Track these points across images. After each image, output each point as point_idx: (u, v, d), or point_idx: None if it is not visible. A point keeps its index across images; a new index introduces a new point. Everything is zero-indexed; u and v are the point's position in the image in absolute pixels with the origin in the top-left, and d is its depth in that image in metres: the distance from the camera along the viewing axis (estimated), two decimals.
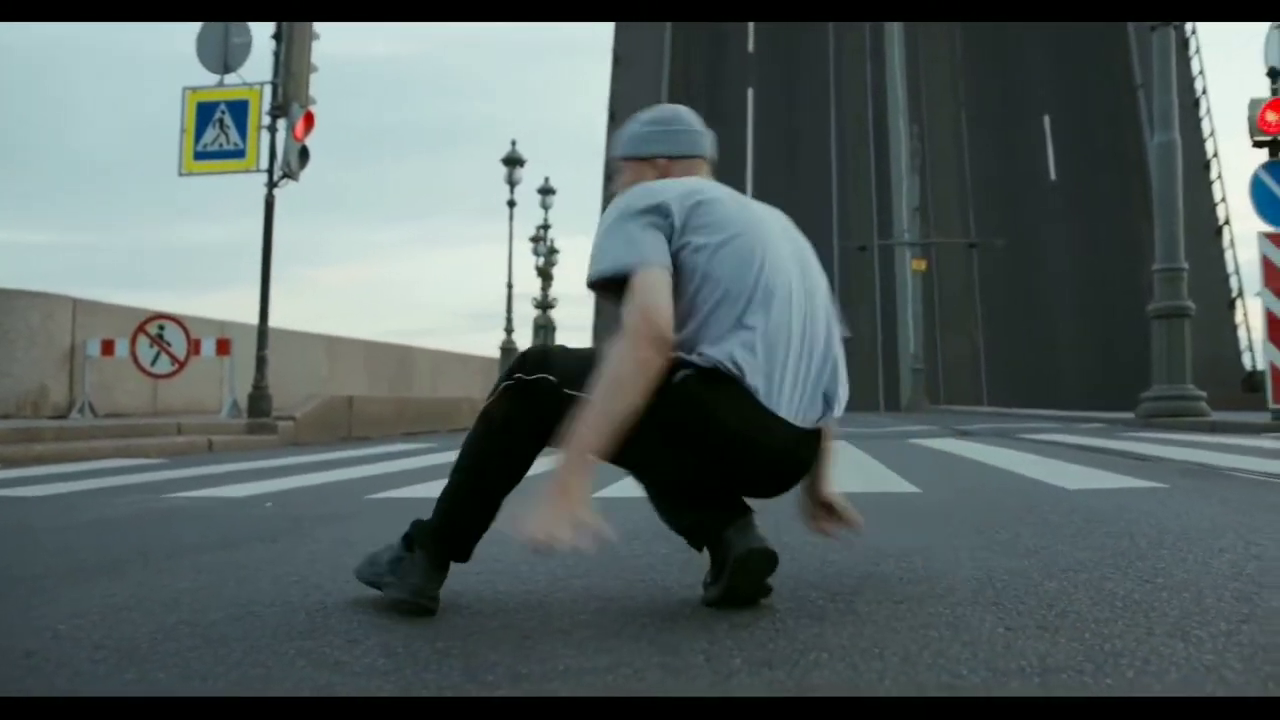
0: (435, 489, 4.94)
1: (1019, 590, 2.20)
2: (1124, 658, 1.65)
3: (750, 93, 34.46)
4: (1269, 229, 9.69)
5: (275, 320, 11.72)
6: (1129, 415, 12.72)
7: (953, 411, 24.48)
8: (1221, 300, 28.98)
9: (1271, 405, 9.41)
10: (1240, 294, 31.20)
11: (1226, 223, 30.24)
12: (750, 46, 34.85)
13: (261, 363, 11.20)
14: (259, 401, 10.81)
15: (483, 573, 2.55)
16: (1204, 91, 30.88)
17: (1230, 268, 30.28)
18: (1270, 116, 9.63)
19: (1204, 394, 11.66)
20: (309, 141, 12.57)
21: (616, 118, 34.99)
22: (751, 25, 35.08)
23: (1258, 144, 9.85)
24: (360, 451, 8.43)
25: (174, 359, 11.37)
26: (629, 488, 4.68)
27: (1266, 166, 9.81)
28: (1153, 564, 2.52)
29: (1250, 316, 31.04)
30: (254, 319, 11.54)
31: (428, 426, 12.67)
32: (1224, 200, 30.55)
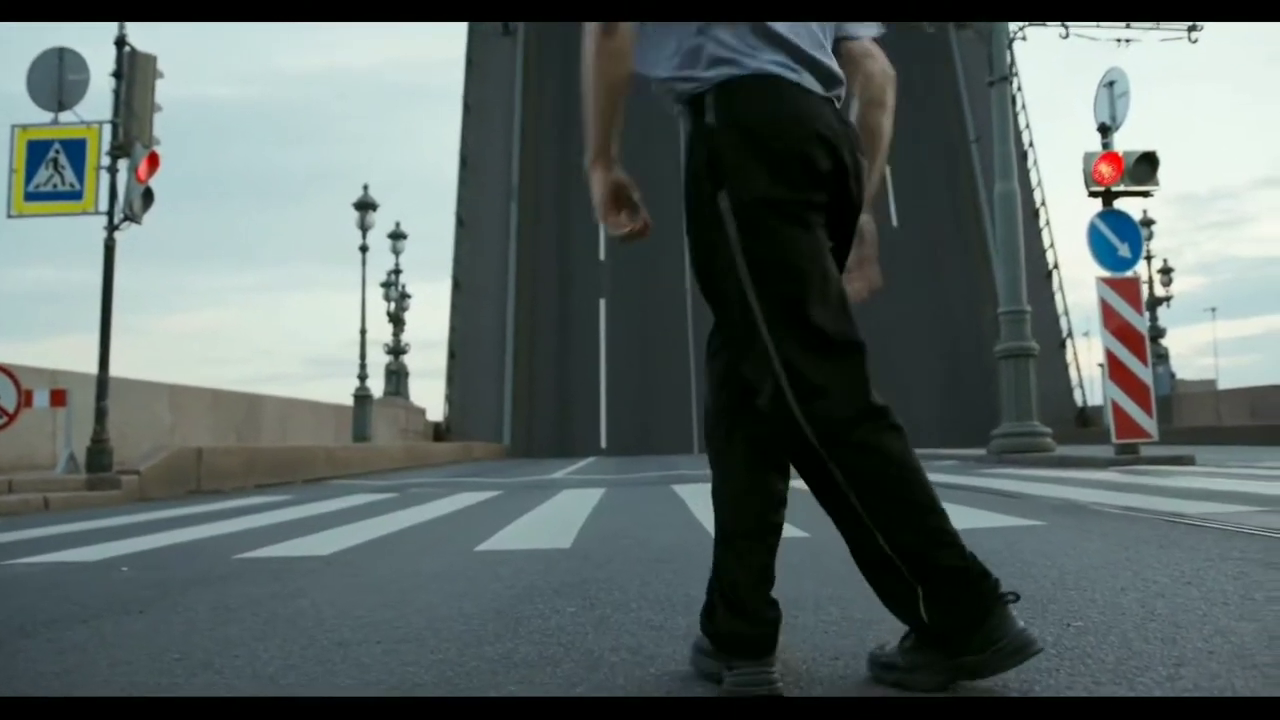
0: (307, 546, 4.69)
1: None
2: None
3: None
4: (1106, 274, 10.18)
5: (115, 369, 11.09)
6: (980, 451, 13.15)
7: None
8: (1054, 340, 30.43)
9: (1115, 441, 9.85)
10: (1070, 334, 32.87)
11: (1055, 267, 31.89)
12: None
13: (101, 414, 10.55)
14: (99, 455, 10.16)
15: (384, 641, 2.38)
16: (1031, 143, 32.60)
17: (1060, 309, 31.89)
18: (1104, 169, 10.16)
19: (1050, 430, 12.18)
20: (153, 183, 12.03)
21: (468, 164, 34.77)
22: None
23: (1093, 194, 10.37)
24: (214, 506, 7.99)
25: (2, 411, 10.61)
26: (507, 540, 4.54)
27: (1102, 215, 10.33)
28: (1065, 606, 2.53)
29: (1080, 355, 32.76)
30: (91, 367, 10.89)
31: (281, 478, 12.16)
32: (1052, 245, 32.24)
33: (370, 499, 8.56)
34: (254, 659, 2.23)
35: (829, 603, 2.69)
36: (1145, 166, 10.28)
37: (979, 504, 5.63)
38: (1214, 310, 63.36)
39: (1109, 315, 10.05)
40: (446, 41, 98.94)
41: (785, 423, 1.75)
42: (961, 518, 4.77)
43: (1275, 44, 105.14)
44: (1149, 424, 9.82)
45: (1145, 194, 10.44)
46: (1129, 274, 10.26)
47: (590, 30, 1.87)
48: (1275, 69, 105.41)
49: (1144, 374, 9.94)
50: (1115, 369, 9.97)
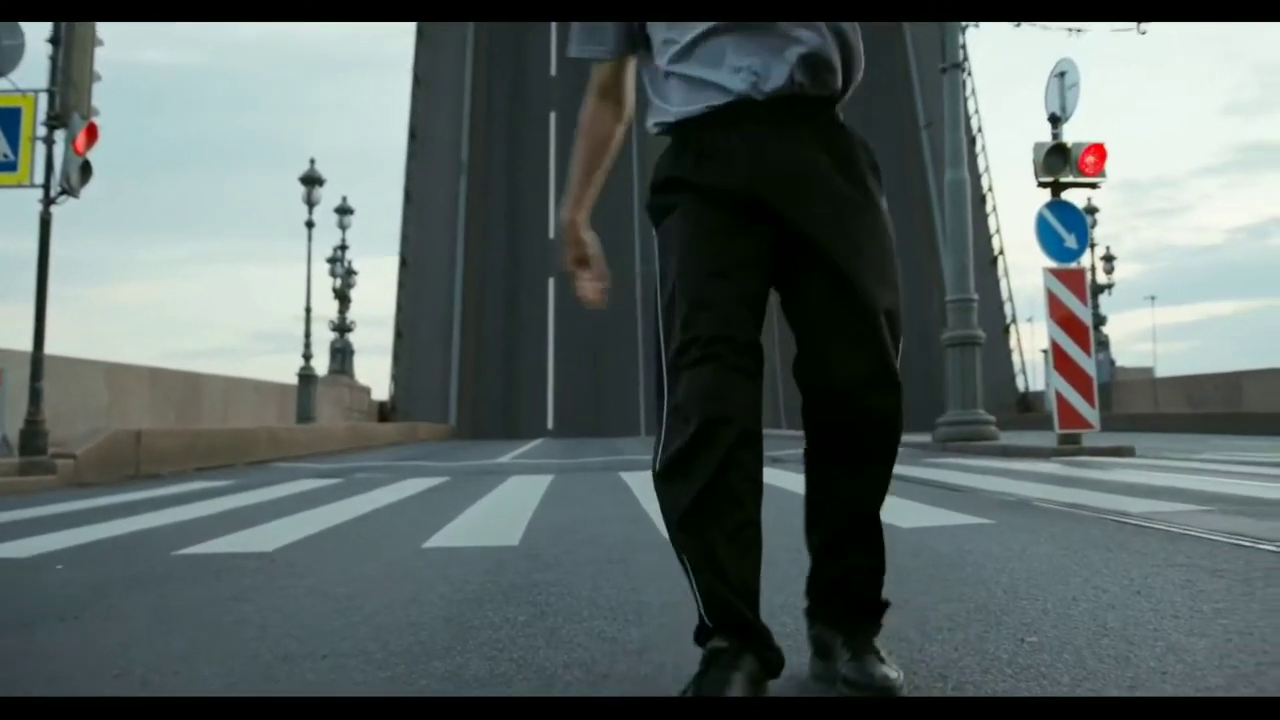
0: (249, 540, 4.59)
1: (906, 656, 2.15)
2: None
3: (553, 116, 34.50)
4: (1053, 264, 10.30)
5: (51, 344, 10.82)
6: (925, 438, 13.27)
7: None
8: (998, 326, 30.81)
9: (1058, 430, 9.98)
10: (1014, 320, 33.32)
11: (1001, 253, 32.26)
12: (553, 70, 34.91)
13: (36, 394, 10.28)
14: (33, 438, 9.90)
15: (330, 655, 2.32)
16: (979, 130, 32.89)
17: (1005, 295, 32.27)
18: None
19: (994, 419, 12.32)
20: (91, 155, 11.72)
21: (417, 137, 34.34)
22: (554, 48, 35.17)
23: (1041, 184, 10.47)
24: (153, 493, 7.83)
25: None
26: (456, 535, 4.46)
27: (1050, 206, 10.44)
28: (1019, 618, 2.53)
29: (1023, 341, 33.21)
30: (22, 344, 10.61)
31: (222, 460, 11.96)
32: (998, 232, 32.60)
33: (314, 485, 8.44)
34: (195, 675, 2.16)
35: (781, 611, 2.67)
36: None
37: (927, 499, 5.67)
38: (1153, 299, 64.50)
39: (1055, 305, 10.17)
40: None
41: None
42: (912, 514, 4.79)
43: (1222, 37, 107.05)
44: (1091, 415, 9.96)
45: (1093, 185, 10.57)
46: (1075, 265, 10.38)
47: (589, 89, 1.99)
48: (1220, 61, 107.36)
49: (1087, 365, 10.07)
50: (1060, 359, 10.09)
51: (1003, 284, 32.33)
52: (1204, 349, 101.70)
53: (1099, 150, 10.30)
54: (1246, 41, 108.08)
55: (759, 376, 1.79)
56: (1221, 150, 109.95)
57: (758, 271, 1.82)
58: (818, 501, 1.97)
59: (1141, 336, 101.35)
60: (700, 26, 1.83)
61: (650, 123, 1.96)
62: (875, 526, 1.95)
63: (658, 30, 1.89)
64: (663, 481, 1.79)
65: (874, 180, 1.93)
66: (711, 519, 1.74)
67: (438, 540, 4.50)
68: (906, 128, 34.17)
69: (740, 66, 1.82)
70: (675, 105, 1.89)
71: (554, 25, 36.07)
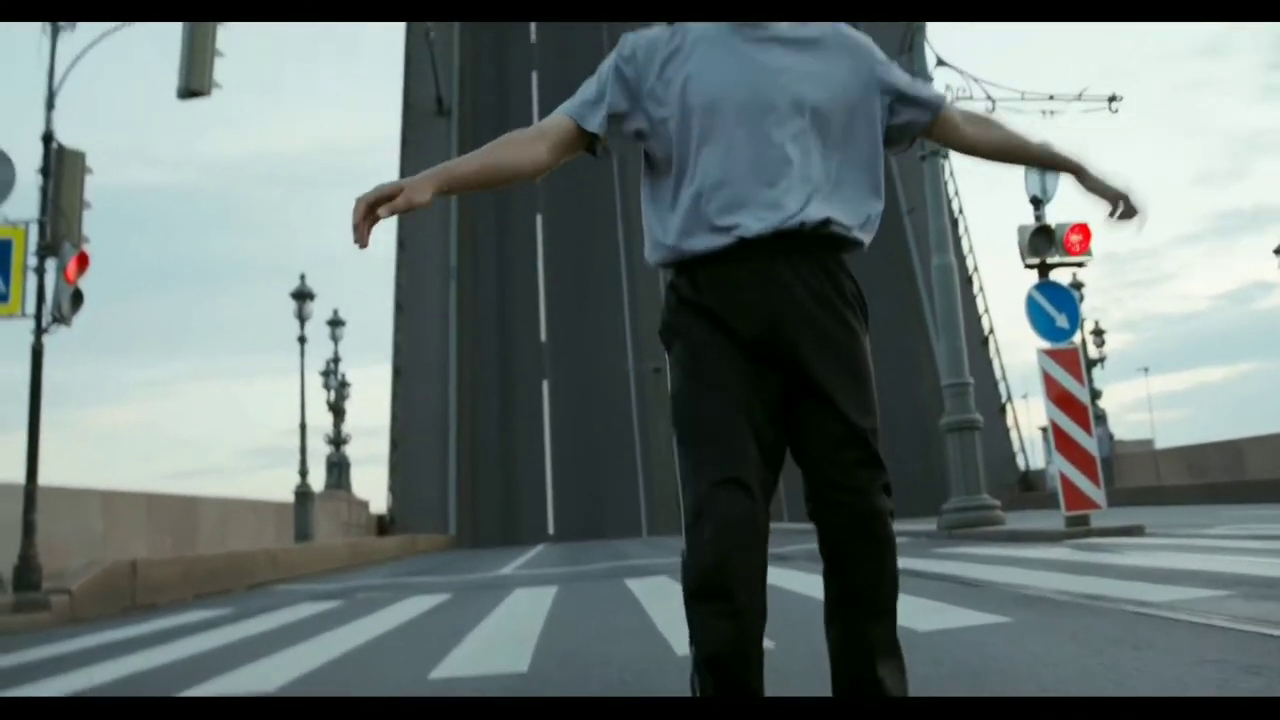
0: (251, 678, 4.44)
1: None
2: None
3: (539, 218, 34.88)
4: (1046, 345, 10.30)
5: (44, 473, 10.68)
6: (929, 525, 13.13)
7: None
8: (994, 406, 30.79)
9: (1065, 512, 9.86)
10: (1009, 398, 33.30)
11: (991, 332, 32.39)
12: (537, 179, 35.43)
13: (29, 528, 10.11)
14: (27, 574, 9.71)
15: None
16: (961, 211, 33.30)
17: (998, 374, 32.32)
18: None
19: (998, 503, 12.21)
20: (82, 282, 11.76)
21: (405, 246, 34.64)
22: None
23: (1029, 266, 10.53)
24: (150, 626, 7.65)
25: None
26: (462, 662, 4.31)
27: (1039, 287, 10.48)
28: None
29: (1020, 419, 33.17)
30: (15, 472, 10.49)
31: (221, 585, 11.76)
32: (987, 311, 32.78)
33: (315, 609, 8.26)
34: None
35: None
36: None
37: (941, 595, 5.54)
38: (1146, 370, 64.66)
39: (1051, 385, 10.14)
40: (377, 124, 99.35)
41: None
42: (928, 615, 4.67)
43: (1187, 113, 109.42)
44: (1097, 494, 9.87)
45: (1079, 264, 10.63)
46: (1068, 344, 10.38)
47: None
48: (1188, 134, 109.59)
49: (1089, 444, 10.00)
50: (1060, 440, 10.02)
51: (995, 363, 32.41)
52: (1198, 416, 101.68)
53: (1083, 230, 10.39)
54: (1212, 113, 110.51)
55: (765, 530, 1.95)
56: (1197, 219, 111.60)
57: (762, 403, 1.97)
58: (835, 599, 2.06)
59: (1137, 407, 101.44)
60: (696, 192, 1.98)
61: (653, 258, 2.06)
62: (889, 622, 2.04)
63: (663, 153, 2.04)
64: (694, 601, 1.93)
65: (861, 317, 2.09)
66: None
67: (444, 669, 4.37)
68: (889, 213, 34.51)
69: (738, 219, 1.96)
70: (678, 239, 2.01)
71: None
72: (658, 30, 2.07)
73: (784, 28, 2.04)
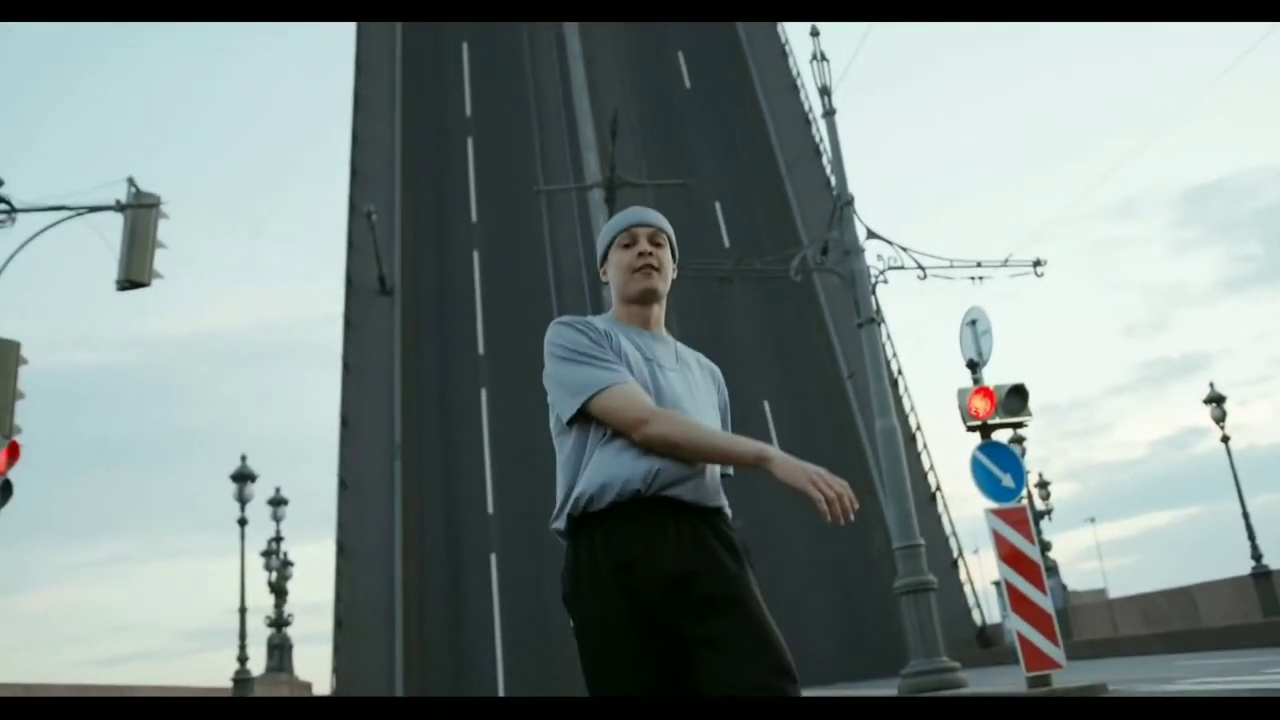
0: None
1: None
2: None
3: (484, 393, 34.93)
4: (993, 505, 10.33)
5: None
6: (889, 690, 12.86)
7: None
8: (946, 562, 30.72)
9: (1026, 674, 9.71)
10: (960, 553, 33.26)
11: (938, 489, 32.57)
12: (480, 348, 35.65)
13: None
14: None
15: None
16: (900, 372, 33.93)
17: (948, 530, 32.37)
18: (978, 404, 10.47)
19: (958, 665, 12.01)
20: (14, 471, 11.47)
21: (349, 424, 34.39)
22: (480, 327, 36.07)
23: (970, 428, 10.64)
24: None
25: None
26: None
27: (982, 448, 10.55)
28: None
29: (972, 573, 33.10)
30: None
31: None
32: (932, 469, 33.05)
33: None
34: None
35: None
36: (1017, 399, 10.63)
37: None
38: (1093, 520, 65.18)
39: (1001, 544, 10.12)
40: (319, 301, 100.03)
41: None
42: None
43: (1109, 269, 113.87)
44: (1056, 653, 9.74)
45: (1020, 424, 10.77)
46: (1015, 503, 10.41)
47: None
48: (1109, 289, 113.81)
49: (1044, 602, 9.92)
50: (1015, 599, 9.94)
51: (944, 519, 32.49)
52: (1148, 561, 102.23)
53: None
54: (1132, 269, 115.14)
55: None
56: (1128, 369, 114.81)
57: (656, 653, 2.24)
58: None
59: (1087, 555, 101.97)
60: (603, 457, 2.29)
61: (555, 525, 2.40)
62: None
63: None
64: None
65: (746, 560, 2.33)
66: None
67: None
68: (831, 377, 35.18)
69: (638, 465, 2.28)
70: (568, 504, 2.33)
71: (479, 306, 37.19)
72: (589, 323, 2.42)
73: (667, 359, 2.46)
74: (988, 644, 29.77)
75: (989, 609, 33.24)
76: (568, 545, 2.31)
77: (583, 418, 2.30)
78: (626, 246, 2.45)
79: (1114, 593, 33.62)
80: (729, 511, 2.42)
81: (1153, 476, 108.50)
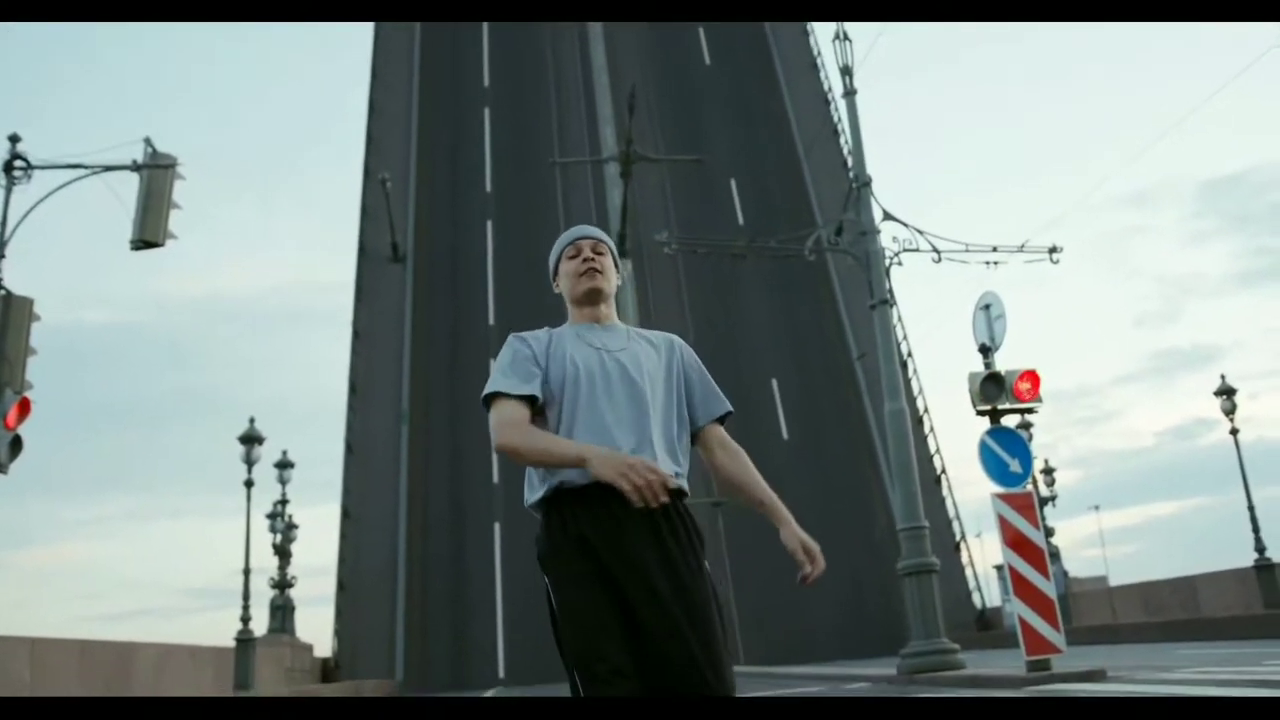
0: None
1: None
2: None
3: (491, 364, 34.92)
4: (1000, 489, 10.34)
5: None
6: (889, 670, 12.93)
7: None
8: (949, 544, 30.79)
9: (1025, 657, 9.75)
10: (963, 537, 33.35)
11: (943, 472, 32.61)
12: (490, 319, 35.68)
13: None
14: None
15: None
16: (910, 355, 33.89)
17: (951, 513, 32.44)
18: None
19: (957, 647, 12.08)
20: (24, 426, 11.53)
21: (357, 390, 34.50)
22: (491, 298, 36.09)
23: (980, 413, 10.63)
24: None
25: None
26: None
27: (991, 433, 10.56)
28: None
29: (974, 556, 33.21)
30: None
31: None
32: (938, 452, 33.06)
33: None
34: None
35: None
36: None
37: None
38: (1097, 508, 65.05)
39: (1006, 529, 10.14)
40: (331, 266, 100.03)
41: None
42: None
43: (1122, 259, 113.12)
44: (1056, 638, 9.78)
45: (1030, 410, 10.76)
46: (1021, 489, 10.43)
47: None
48: (1124, 279, 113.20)
49: (1046, 587, 9.96)
50: (1018, 584, 9.97)
51: (948, 502, 32.54)
52: (1150, 551, 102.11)
53: (1033, 377, 10.54)
54: (1145, 259, 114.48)
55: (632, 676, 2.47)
56: (1138, 358, 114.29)
57: (616, 612, 2.52)
58: None
59: (1090, 542, 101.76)
60: (571, 417, 2.65)
61: (529, 500, 2.72)
62: None
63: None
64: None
65: (698, 545, 2.65)
66: None
67: None
68: (840, 359, 35.16)
69: None
70: (544, 483, 2.66)
71: (490, 276, 37.19)
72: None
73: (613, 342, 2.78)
74: (987, 627, 29.87)
75: (990, 593, 33.33)
76: (542, 517, 2.66)
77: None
78: (572, 258, 2.82)
79: (1115, 581, 33.59)
80: (686, 489, 2.71)
81: (1158, 466, 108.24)
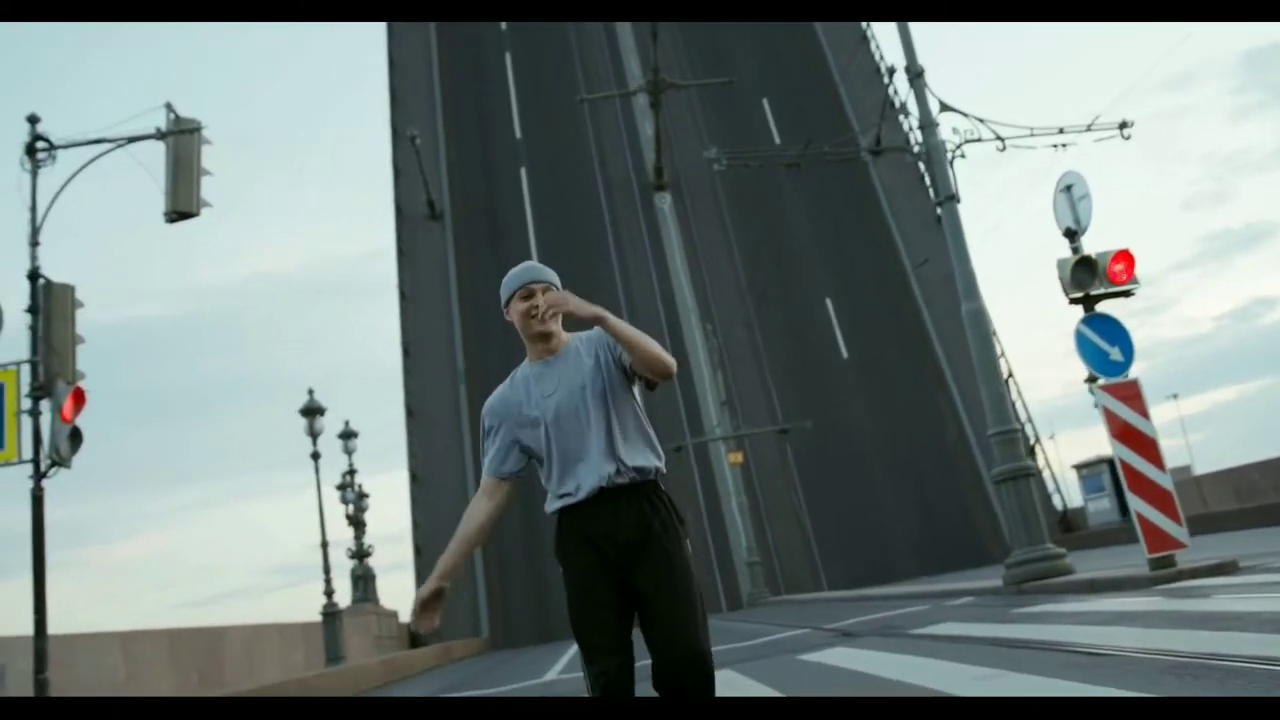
0: None
1: None
2: None
3: None
4: (1102, 380, 9.70)
5: (60, 617, 10.07)
6: (995, 582, 12.39)
7: (796, 601, 23.91)
8: (1023, 448, 30.09)
9: (1147, 555, 9.16)
10: (1037, 439, 32.61)
11: (1011, 375, 31.79)
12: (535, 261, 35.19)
13: (42, 686, 9.48)
14: None
15: None
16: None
17: (1024, 416, 31.69)
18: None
19: (1065, 551, 11.48)
20: (80, 420, 11.23)
21: (411, 352, 34.29)
22: (533, 241, 35.59)
23: (1073, 301, 9.95)
24: None
25: None
26: None
27: (1086, 321, 9.87)
28: None
29: (1050, 458, 32.45)
30: (22, 627, 9.87)
31: None
32: (1004, 354, 32.22)
33: None
34: None
35: None
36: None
37: (1063, 671, 4.83)
38: (1176, 396, 63.62)
39: (1113, 421, 9.53)
40: (370, 231, 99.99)
41: None
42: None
43: (1166, 142, 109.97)
44: (1180, 533, 9.18)
45: (1126, 294, 10.03)
46: (1125, 378, 9.76)
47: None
48: (1170, 161, 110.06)
49: (1163, 480, 9.34)
50: (1132, 479, 9.36)
51: (1019, 405, 31.75)
52: (1216, 438, 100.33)
53: (1126, 257, 9.81)
54: (1190, 140, 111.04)
55: (629, 669, 3.09)
56: (1191, 243, 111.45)
57: (614, 595, 3.12)
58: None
59: (1165, 433, 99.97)
60: (555, 471, 3.25)
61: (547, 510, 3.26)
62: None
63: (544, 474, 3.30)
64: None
65: (679, 530, 3.20)
66: None
67: None
68: (893, 271, 34.28)
69: (578, 482, 3.20)
70: (553, 500, 3.24)
71: (530, 223, 36.62)
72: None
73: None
74: (1070, 528, 29.20)
75: (1069, 494, 32.57)
76: (555, 519, 3.22)
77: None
78: (525, 298, 3.25)
79: (1198, 470, 32.67)
80: (655, 471, 3.24)
81: (1219, 351, 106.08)
